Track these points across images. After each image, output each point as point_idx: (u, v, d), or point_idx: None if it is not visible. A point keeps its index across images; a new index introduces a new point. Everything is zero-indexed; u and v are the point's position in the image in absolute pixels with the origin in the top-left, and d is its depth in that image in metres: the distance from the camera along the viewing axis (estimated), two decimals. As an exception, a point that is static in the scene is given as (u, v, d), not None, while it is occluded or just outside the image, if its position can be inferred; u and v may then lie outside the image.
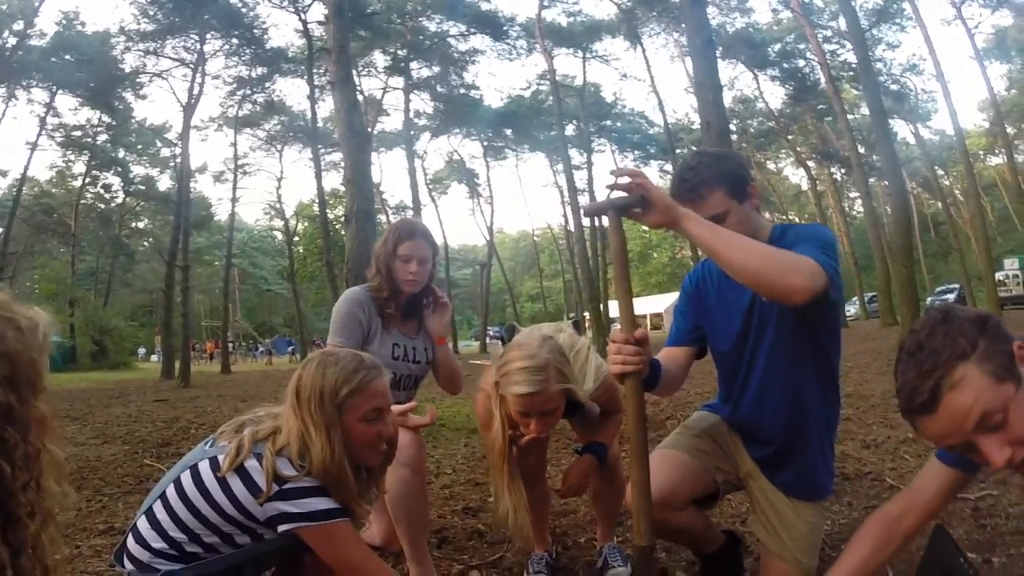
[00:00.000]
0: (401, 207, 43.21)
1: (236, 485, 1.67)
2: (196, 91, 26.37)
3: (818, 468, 2.13)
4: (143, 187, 41.58)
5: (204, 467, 1.73)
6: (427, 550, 2.49)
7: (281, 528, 1.69)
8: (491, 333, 41.19)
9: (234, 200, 34.19)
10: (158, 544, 1.71)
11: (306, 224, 46.24)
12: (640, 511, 1.68)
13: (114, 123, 34.72)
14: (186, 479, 1.73)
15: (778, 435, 2.11)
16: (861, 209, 45.08)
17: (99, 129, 35.61)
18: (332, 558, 1.73)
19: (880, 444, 4.57)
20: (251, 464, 1.68)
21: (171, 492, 1.74)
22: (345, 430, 1.73)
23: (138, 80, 30.40)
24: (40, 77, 28.67)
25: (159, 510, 1.74)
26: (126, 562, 1.75)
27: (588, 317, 30.17)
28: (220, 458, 1.71)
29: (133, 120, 35.76)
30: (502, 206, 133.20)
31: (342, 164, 8.06)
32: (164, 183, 41.08)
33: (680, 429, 2.30)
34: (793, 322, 1.98)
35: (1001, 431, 1.26)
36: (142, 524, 1.76)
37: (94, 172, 39.50)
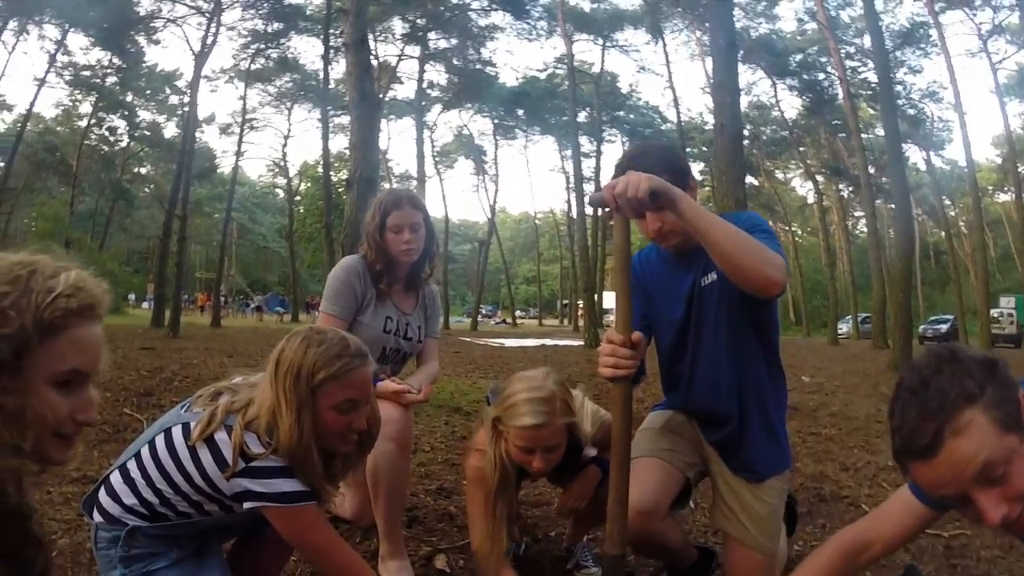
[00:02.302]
0: (406, 176, 43.07)
1: (205, 456, 1.64)
2: (210, 41, 26.05)
3: (771, 447, 2.16)
4: (148, 133, 41.29)
5: (177, 433, 1.69)
6: (400, 527, 2.46)
7: (247, 505, 1.66)
8: (483, 312, 41.18)
9: (239, 154, 34.02)
10: (130, 500, 1.69)
11: (309, 185, 45.99)
12: (615, 518, 1.65)
13: (124, 66, 34.28)
14: (160, 443, 1.70)
15: (729, 417, 2.13)
16: (864, 229, 45.08)
17: (109, 71, 35.17)
18: (295, 540, 1.71)
19: (860, 469, 4.56)
20: (220, 436, 1.64)
21: (145, 453, 1.71)
22: (316, 414, 1.68)
23: (152, 24, 30.02)
24: (53, 13, 28.28)
25: (132, 468, 1.71)
26: (95, 513, 1.74)
27: (582, 306, 30.13)
28: (193, 425, 1.67)
29: (144, 65, 35.32)
30: (507, 186, 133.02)
31: (350, 128, 7.93)
32: (170, 131, 40.90)
33: (640, 434, 2.29)
34: (733, 303, 2.03)
35: (1000, 486, 1.18)
36: (115, 478, 1.74)
37: (100, 114, 39.20)
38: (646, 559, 2.71)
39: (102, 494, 1.74)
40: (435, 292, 2.99)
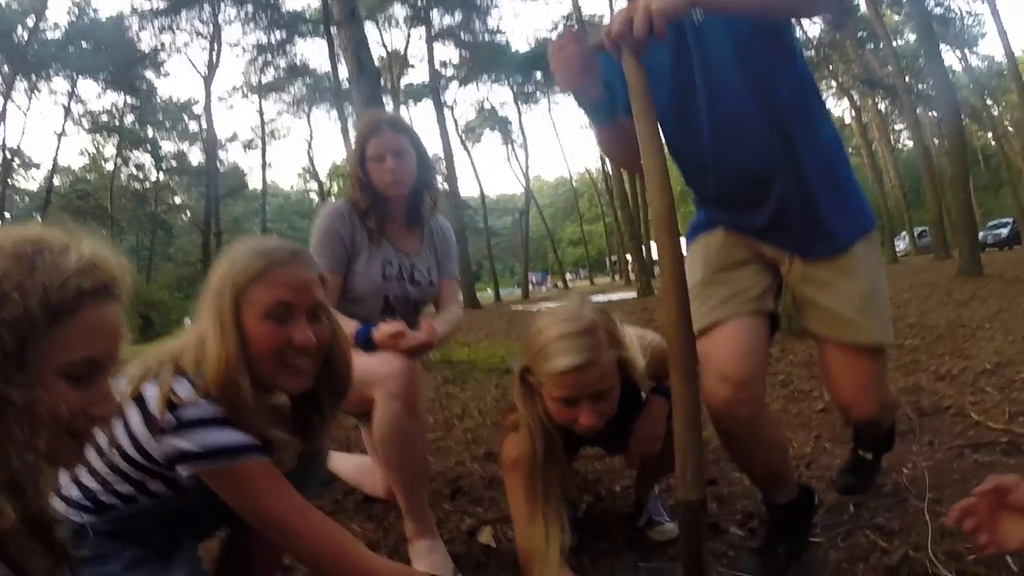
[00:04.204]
0: (434, 159, 42.95)
1: (133, 417, 1.28)
2: (214, 61, 26.19)
3: (839, 200, 1.71)
4: (175, 163, 41.90)
5: None
6: (425, 501, 2.07)
7: (183, 471, 1.29)
8: (533, 280, 41.67)
9: (264, 166, 34.33)
10: (74, 492, 1.38)
11: (341, 183, 46.32)
12: (688, 450, 1.25)
13: (138, 104, 34.87)
14: None
15: (776, 172, 1.66)
16: (907, 142, 43.28)
17: (125, 110, 35.80)
18: (245, 510, 1.31)
19: (956, 376, 4.04)
20: (150, 390, 1.28)
21: None
22: (245, 330, 1.32)
23: (157, 58, 30.41)
24: (58, 67, 28.76)
25: None
26: None
27: (630, 259, 29.72)
28: (124, 383, 1.32)
29: (158, 98, 36.00)
30: (538, 152, 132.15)
31: (354, 102, 7.76)
32: (195, 157, 41.40)
33: (695, 293, 1.74)
34: (745, 29, 1.59)
35: None
36: (64, 481, 1.40)
37: (125, 153, 39.82)
38: (731, 506, 2.31)
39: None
40: (445, 226, 2.54)
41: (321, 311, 1.41)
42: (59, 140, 31.64)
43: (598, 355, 1.54)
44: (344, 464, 2.65)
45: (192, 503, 1.38)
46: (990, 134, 40.59)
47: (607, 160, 38.64)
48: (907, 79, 29.99)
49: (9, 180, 30.46)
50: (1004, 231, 31.87)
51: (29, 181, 38.35)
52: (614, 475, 2.74)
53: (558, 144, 69.18)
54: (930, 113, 35.52)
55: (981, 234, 30.70)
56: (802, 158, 1.66)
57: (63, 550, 0.93)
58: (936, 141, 35.74)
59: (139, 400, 1.28)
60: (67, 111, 31.77)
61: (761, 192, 1.70)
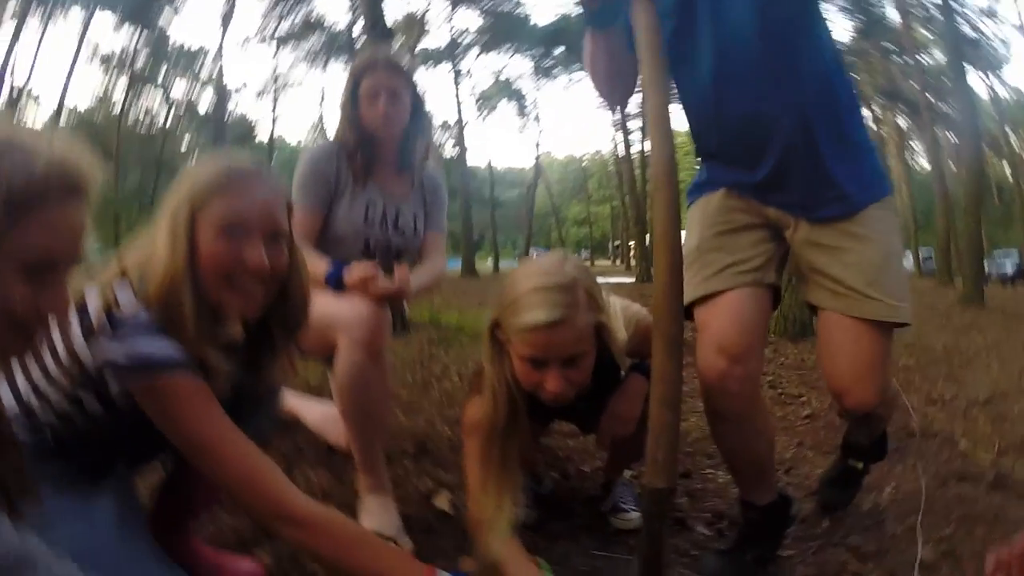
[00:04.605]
0: (446, 126, 42.65)
1: (73, 325, 1.21)
2: (231, 7, 25.95)
3: (851, 161, 1.58)
4: (183, 110, 41.63)
5: None
6: (380, 456, 1.97)
7: (111, 382, 1.21)
8: (534, 254, 42.09)
9: (274, 118, 34.22)
10: (14, 411, 1.29)
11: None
12: (662, 431, 1.14)
13: (151, 44, 34.51)
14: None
15: (777, 117, 1.52)
16: (923, 164, 42.90)
17: (138, 50, 35.42)
18: (165, 426, 1.21)
19: (948, 401, 3.94)
20: (92, 298, 1.20)
21: None
22: (197, 248, 1.25)
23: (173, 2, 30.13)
24: None
25: (16, 369, 1.31)
26: None
27: (633, 245, 29.80)
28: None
29: (171, 43, 35.69)
30: (552, 129, 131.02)
31: None
32: (204, 104, 41.09)
33: (692, 258, 1.66)
34: None
35: None
36: (4, 390, 1.33)
37: (135, 91, 39.46)
38: (701, 504, 2.21)
39: None
40: (438, 178, 2.43)
41: (281, 237, 1.33)
42: (68, 78, 31.00)
43: (573, 314, 1.39)
44: (311, 411, 2.56)
45: (127, 426, 1.30)
46: (1005, 163, 40.21)
47: (616, 141, 38.48)
48: (929, 98, 29.73)
49: (16, 118, 30.13)
50: (1008, 264, 30.84)
51: (35, 122, 38.21)
52: (586, 455, 2.63)
53: (572, 122, 69.14)
54: (948, 135, 35.17)
55: (986, 265, 30.06)
56: (811, 109, 1.52)
57: (8, 435, 0.91)
58: (952, 165, 35.47)
59: (80, 307, 1.21)
60: (79, 47, 31.38)
61: (762, 142, 1.56)
